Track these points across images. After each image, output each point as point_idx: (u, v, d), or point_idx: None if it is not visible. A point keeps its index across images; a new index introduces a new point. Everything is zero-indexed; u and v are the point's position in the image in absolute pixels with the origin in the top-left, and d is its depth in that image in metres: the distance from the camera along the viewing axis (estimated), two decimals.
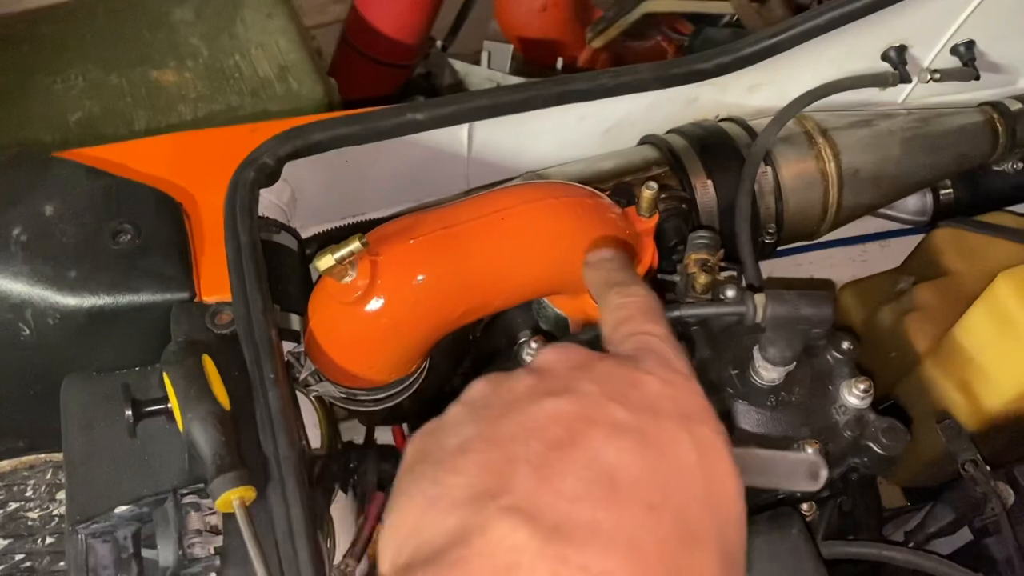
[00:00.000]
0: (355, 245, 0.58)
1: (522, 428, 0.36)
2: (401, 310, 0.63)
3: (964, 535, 0.82)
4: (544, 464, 0.35)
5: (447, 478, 0.35)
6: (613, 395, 0.37)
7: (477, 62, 1.79)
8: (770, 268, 1.17)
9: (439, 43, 1.86)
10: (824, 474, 0.48)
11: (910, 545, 0.78)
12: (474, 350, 0.83)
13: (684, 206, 0.85)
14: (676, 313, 0.63)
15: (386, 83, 1.80)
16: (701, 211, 0.88)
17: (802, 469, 0.48)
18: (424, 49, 1.83)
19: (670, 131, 0.95)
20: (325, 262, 0.59)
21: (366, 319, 0.62)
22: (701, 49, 1.91)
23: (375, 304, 0.62)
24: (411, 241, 0.62)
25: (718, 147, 0.90)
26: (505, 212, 0.64)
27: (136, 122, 1.42)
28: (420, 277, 0.62)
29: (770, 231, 0.90)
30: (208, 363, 0.62)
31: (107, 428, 0.64)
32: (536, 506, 0.33)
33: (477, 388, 0.40)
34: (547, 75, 1.81)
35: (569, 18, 1.84)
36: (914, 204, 1.07)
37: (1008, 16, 0.93)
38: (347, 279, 0.61)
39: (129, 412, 0.61)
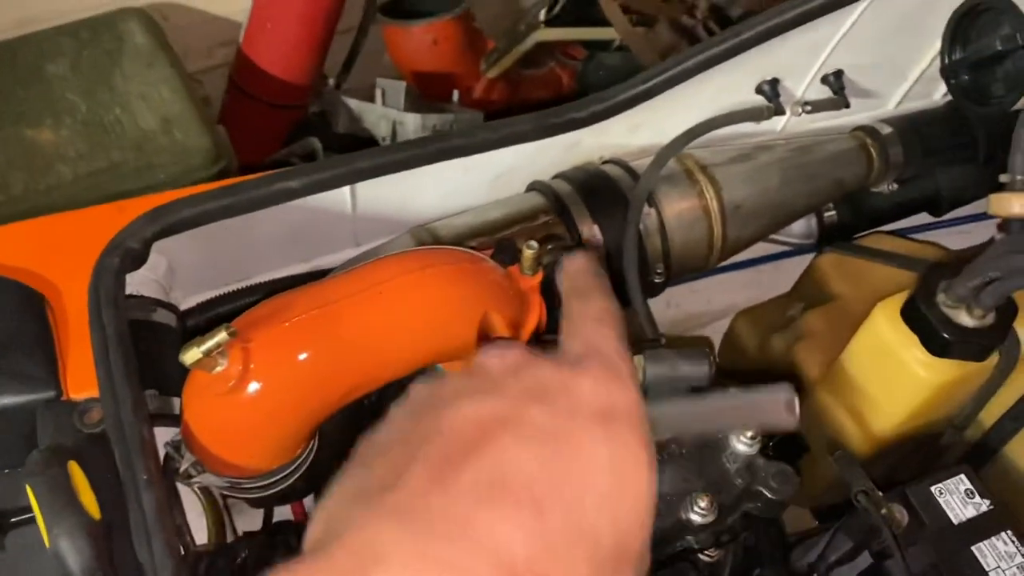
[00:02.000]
0: (222, 336, 0.56)
1: (436, 429, 0.38)
2: (278, 396, 0.61)
3: (866, 558, 0.84)
4: (442, 463, 0.36)
5: (355, 471, 0.39)
6: (537, 397, 0.39)
7: (372, 99, 1.77)
8: (667, 296, 1.19)
9: (331, 81, 1.83)
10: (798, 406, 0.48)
11: None
12: (369, 416, 0.81)
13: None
14: None
15: (279, 125, 1.76)
16: None
17: (780, 405, 0.48)
18: (317, 88, 1.80)
19: (556, 176, 0.95)
20: (191, 355, 0.56)
21: (241, 408, 0.60)
22: (594, 73, 1.96)
23: (250, 392, 0.60)
24: (285, 324, 0.60)
25: (602, 191, 0.90)
26: (382, 286, 0.62)
27: (13, 186, 1.36)
28: (297, 360, 0.60)
29: (659, 271, 0.91)
30: (75, 470, 0.58)
31: None
32: (416, 504, 0.35)
33: (415, 389, 0.43)
34: (443, 109, 1.81)
35: (461, 50, 1.84)
36: (800, 228, 1.09)
37: (872, 45, 0.96)
38: (218, 369, 0.58)
39: None
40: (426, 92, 1.85)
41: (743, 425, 0.49)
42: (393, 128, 1.69)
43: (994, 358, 0.77)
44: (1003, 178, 0.70)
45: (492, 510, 0.34)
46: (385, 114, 1.70)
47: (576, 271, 0.53)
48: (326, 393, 0.63)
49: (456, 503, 0.34)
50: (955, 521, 0.79)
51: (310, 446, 0.69)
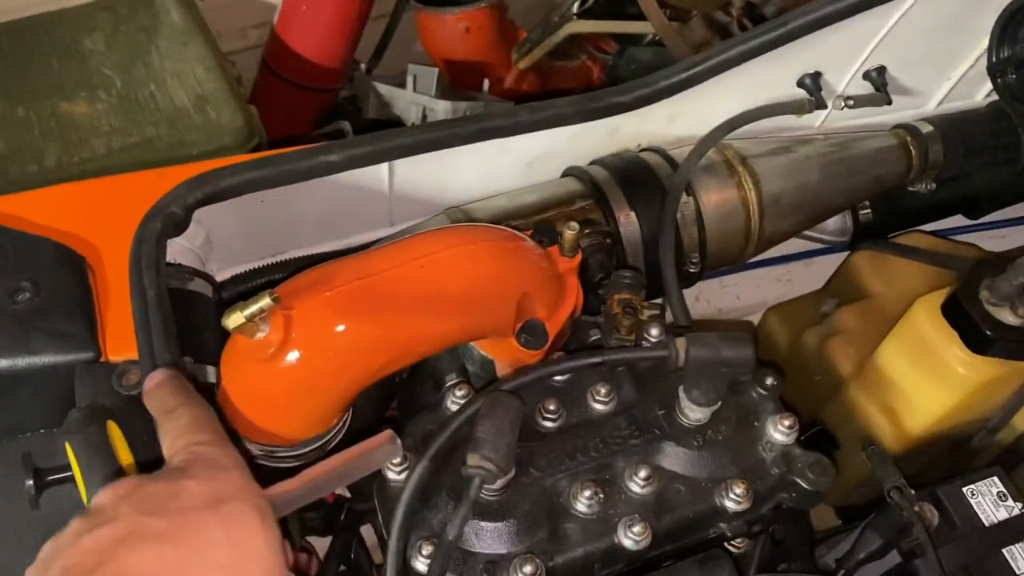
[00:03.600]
0: (265, 301, 0.56)
1: (64, 568, 0.43)
2: (318, 366, 0.60)
3: (894, 557, 0.83)
4: None
5: None
6: (150, 511, 0.45)
7: (403, 85, 1.77)
8: (696, 290, 1.18)
9: (363, 66, 1.83)
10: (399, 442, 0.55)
11: (841, 573, 0.79)
12: (400, 392, 0.81)
13: (608, 240, 0.85)
14: (594, 360, 0.62)
15: (309, 108, 1.76)
16: (625, 243, 0.88)
17: (381, 452, 0.54)
18: (348, 72, 1.80)
19: (593, 162, 0.94)
20: (234, 320, 0.56)
21: (281, 376, 0.60)
22: (625, 67, 1.95)
23: (290, 361, 0.59)
24: (327, 294, 0.60)
25: (640, 179, 0.90)
26: (424, 260, 0.62)
27: (47, 157, 1.36)
28: (337, 331, 0.60)
29: (694, 260, 0.90)
30: (113, 429, 0.59)
31: (7, 500, 0.60)
32: None
33: (43, 550, 0.47)
34: (474, 97, 1.80)
35: (493, 40, 1.83)
36: (834, 225, 1.08)
37: (916, 42, 0.95)
38: (259, 335, 0.58)
39: (31, 482, 0.58)
40: (457, 80, 1.85)
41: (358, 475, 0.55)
42: (423, 114, 1.69)
43: None
44: None
45: None
46: (416, 100, 1.69)
47: (158, 391, 0.57)
48: (363, 366, 0.63)
49: None
50: (986, 523, 0.78)
51: (345, 418, 0.69)
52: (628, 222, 0.88)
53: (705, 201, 0.90)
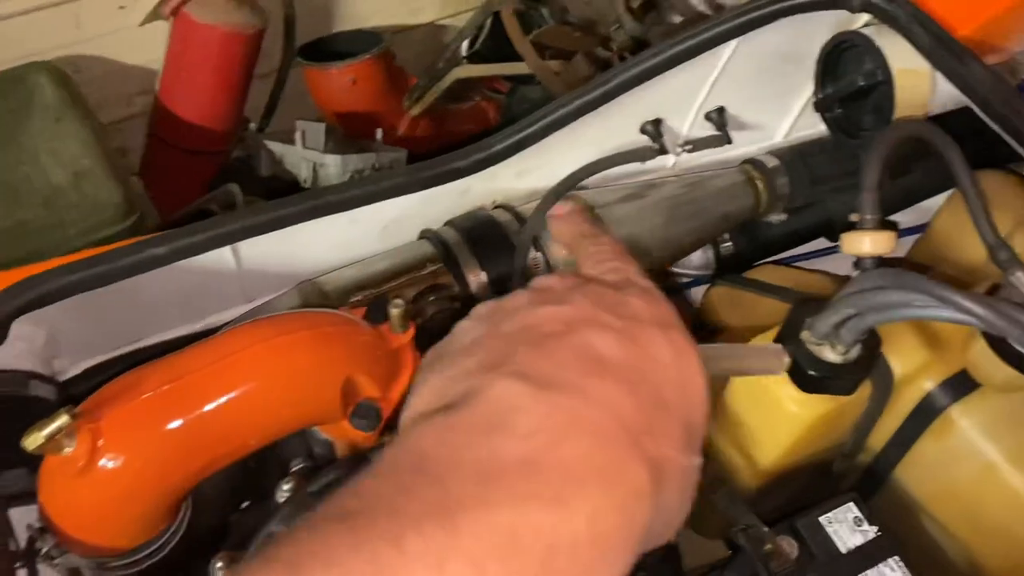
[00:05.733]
0: (63, 419, 0.56)
1: (523, 325, 0.43)
2: (133, 474, 0.60)
3: None
4: (540, 344, 0.41)
5: (460, 361, 0.42)
6: (603, 306, 0.43)
7: (294, 141, 1.77)
8: None
9: (253, 125, 1.83)
10: (787, 359, 0.53)
11: None
12: (248, 480, 0.80)
13: (456, 304, 0.85)
14: None
15: (200, 172, 1.75)
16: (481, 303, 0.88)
17: (769, 352, 0.53)
18: (238, 132, 1.80)
19: (447, 223, 0.95)
20: (33, 441, 0.56)
21: (94, 489, 0.60)
22: (518, 106, 1.97)
23: (101, 472, 0.59)
24: (135, 401, 0.60)
25: (488, 237, 0.91)
26: (234, 356, 0.62)
27: None
28: (150, 436, 0.60)
29: None
30: None
31: None
32: (532, 370, 0.39)
33: (482, 306, 0.48)
34: (367, 148, 1.81)
35: (382, 89, 1.85)
36: (698, 259, 1.11)
37: (750, 81, 0.98)
38: (66, 451, 0.58)
39: None
40: (350, 131, 1.86)
41: (735, 370, 0.54)
42: (314, 170, 1.69)
43: (868, 388, 0.79)
44: (852, 217, 0.71)
45: (597, 379, 0.38)
46: (305, 156, 1.69)
47: (574, 215, 0.58)
48: (185, 466, 0.62)
49: (565, 372, 0.38)
50: (843, 550, 0.79)
51: (180, 516, 0.68)
52: (479, 282, 0.89)
53: (554, 254, 0.91)
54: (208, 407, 0.61)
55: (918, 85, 0.86)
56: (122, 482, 0.60)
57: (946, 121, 0.89)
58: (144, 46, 1.70)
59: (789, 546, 0.81)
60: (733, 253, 1.09)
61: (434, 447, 0.36)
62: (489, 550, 0.32)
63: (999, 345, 0.73)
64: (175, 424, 0.60)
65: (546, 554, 0.32)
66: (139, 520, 0.63)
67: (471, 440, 0.36)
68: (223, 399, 0.61)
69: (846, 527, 0.81)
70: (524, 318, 0.43)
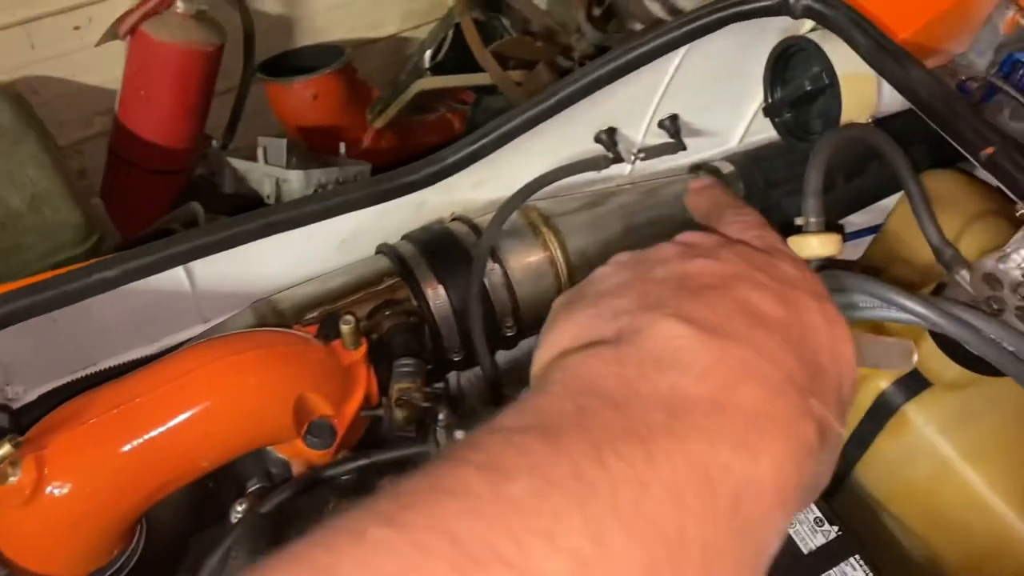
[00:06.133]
0: (6, 449, 0.55)
1: (677, 273, 0.40)
2: (78, 501, 0.59)
3: None
4: (699, 293, 0.38)
5: (609, 301, 0.39)
6: (755, 266, 0.41)
7: (256, 158, 1.76)
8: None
9: (215, 143, 1.82)
10: (916, 357, 0.52)
11: None
12: (209, 501, 0.79)
13: (412, 318, 0.85)
14: (354, 464, 0.62)
15: (163, 191, 1.74)
16: (437, 317, 0.89)
17: (897, 350, 0.52)
18: (200, 150, 1.78)
19: (403, 237, 0.95)
20: None
21: (42, 518, 0.59)
22: (481, 117, 1.98)
23: (48, 500, 0.58)
24: (81, 427, 0.59)
25: (445, 250, 0.91)
26: (183, 379, 0.62)
27: None
28: (96, 462, 0.59)
29: (508, 325, 0.92)
30: None
31: None
32: (695, 316, 0.36)
33: (621, 255, 0.44)
34: (330, 162, 1.80)
35: (343, 103, 1.84)
36: None
37: (702, 88, 0.99)
38: (12, 480, 0.57)
39: None
40: (314, 146, 1.85)
41: (868, 362, 0.52)
42: (277, 186, 1.68)
43: None
44: (798, 220, 0.72)
45: (763, 332, 0.37)
46: (268, 172, 1.68)
47: (712, 188, 0.55)
48: (136, 490, 0.62)
49: (729, 322, 0.37)
50: (805, 551, 0.80)
51: (134, 541, 0.67)
52: (436, 296, 0.89)
53: (512, 265, 0.91)
54: (158, 429, 0.61)
55: (864, 88, 0.87)
56: (71, 509, 0.59)
57: (900, 122, 0.91)
58: (102, 66, 1.69)
59: None
60: None
61: (604, 377, 0.34)
62: (685, 481, 0.31)
63: (946, 344, 0.74)
64: (124, 448, 0.60)
65: (734, 494, 0.32)
66: (91, 546, 0.63)
67: (645, 373, 0.34)
68: (173, 421, 0.61)
69: (807, 527, 0.82)
70: (676, 267, 0.41)
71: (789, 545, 0.81)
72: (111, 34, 1.62)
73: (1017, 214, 0.74)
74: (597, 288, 0.41)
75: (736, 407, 0.34)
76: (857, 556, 0.79)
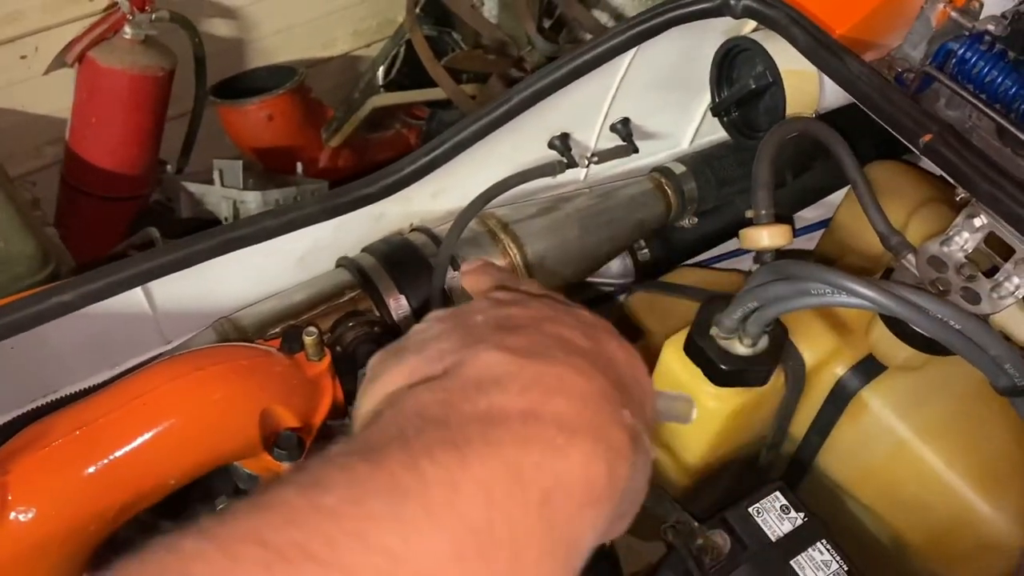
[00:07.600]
0: None
1: (493, 318, 0.44)
2: (44, 525, 0.59)
3: None
4: (515, 330, 0.42)
5: (434, 345, 0.42)
6: (560, 311, 0.46)
7: (213, 181, 1.75)
8: None
9: (170, 167, 1.81)
10: (695, 413, 0.54)
11: None
12: (182, 518, 0.79)
13: (376, 329, 0.86)
14: None
15: (118, 218, 1.72)
16: (400, 327, 0.89)
17: (679, 403, 0.53)
18: (155, 175, 1.77)
19: (363, 250, 0.96)
20: None
21: (7, 544, 0.58)
22: (436, 131, 1.99)
23: (13, 526, 0.58)
24: (43, 451, 0.59)
25: (406, 261, 0.91)
26: (144, 397, 0.61)
27: None
28: (60, 485, 0.59)
29: None
30: None
31: None
32: (515, 345, 0.40)
33: (439, 311, 0.47)
34: (288, 182, 1.80)
35: (298, 123, 1.84)
36: (617, 268, 1.13)
37: (650, 92, 1.01)
38: None
39: None
40: (271, 166, 1.85)
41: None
42: (235, 207, 1.67)
43: (781, 377, 0.81)
44: (748, 214, 0.74)
45: (576, 357, 0.41)
46: (226, 194, 1.67)
47: (486, 266, 0.57)
48: (102, 512, 0.61)
49: (545, 349, 0.41)
50: (773, 538, 0.81)
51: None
52: (399, 306, 0.89)
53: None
54: (123, 449, 0.60)
55: (806, 84, 0.89)
56: (37, 533, 0.59)
57: (844, 117, 0.94)
58: (50, 95, 1.67)
59: (721, 539, 0.82)
60: (651, 259, 1.12)
61: (429, 405, 0.37)
62: (497, 478, 0.34)
63: (897, 326, 0.76)
64: (89, 469, 0.59)
65: (545, 489, 0.35)
66: (60, 570, 0.62)
67: (467, 396, 0.38)
68: (138, 440, 0.61)
69: (774, 515, 0.84)
70: (493, 313, 0.45)
71: (757, 533, 0.82)
72: (59, 62, 1.61)
73: (957, 199, 0.77)
74: (420, 338, 0.44)
75: (551, 415, 0.37)
76: (823, 541, 0.80)
